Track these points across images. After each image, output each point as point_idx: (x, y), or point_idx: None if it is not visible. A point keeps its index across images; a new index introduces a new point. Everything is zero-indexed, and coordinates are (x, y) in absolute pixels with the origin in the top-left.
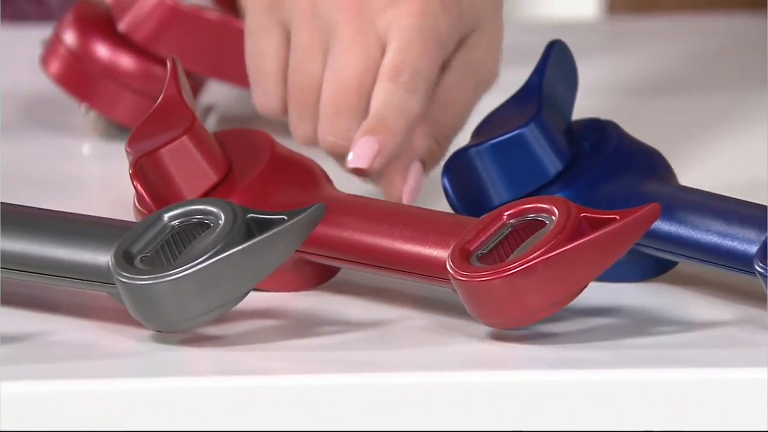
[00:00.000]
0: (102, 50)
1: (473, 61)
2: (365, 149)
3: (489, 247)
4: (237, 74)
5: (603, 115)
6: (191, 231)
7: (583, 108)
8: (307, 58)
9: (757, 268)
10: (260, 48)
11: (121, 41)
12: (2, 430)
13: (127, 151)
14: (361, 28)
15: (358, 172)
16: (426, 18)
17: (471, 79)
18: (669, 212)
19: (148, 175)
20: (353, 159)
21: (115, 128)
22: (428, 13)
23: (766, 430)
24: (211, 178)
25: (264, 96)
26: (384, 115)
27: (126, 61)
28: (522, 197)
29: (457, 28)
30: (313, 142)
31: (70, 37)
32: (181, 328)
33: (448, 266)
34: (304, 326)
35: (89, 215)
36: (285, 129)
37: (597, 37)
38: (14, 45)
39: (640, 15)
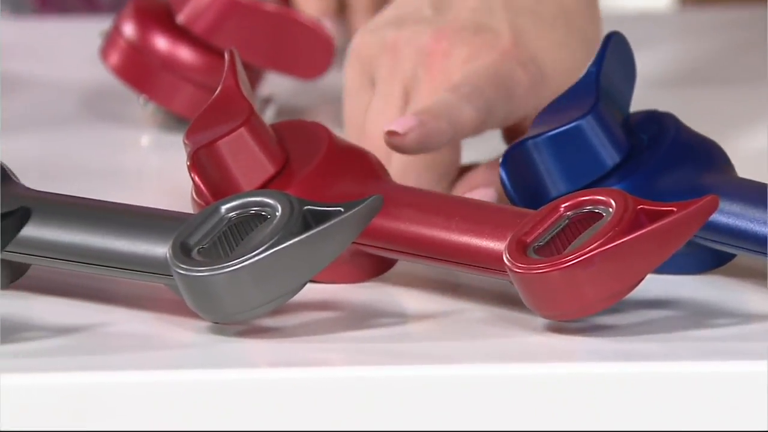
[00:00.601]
0: (161, 42)
1: None
2: (406, 120)
3: (546, 239)
4: (295, 66)
5: (669, 107)
6: (248, 223)
7: (651, 99)
8: (385, 105)
9: None
10: (355, 107)
11: (180, 33)
12: (62, 422)
13: (184, 143)
14: (438, 86)
15: (392, 136)
16: (498, 64)
17: None
18: (727, 204)
19: (206, 166)
20: (392, 124)
21: (173, 120)
22: (502, 62)
23: None
24: (268, 169)
25: None
26: (431, 107)
27: (185, 53)
28: (579, 189)
29: (538, 88)
30: None
31: (129, 29)
32: (238, 319)
33: (504, 258)
34: (362, 318)
35: (147, 207)
36: (342, 121)
37: (669, 28)
38: (73, 37)
39: (712, 6)
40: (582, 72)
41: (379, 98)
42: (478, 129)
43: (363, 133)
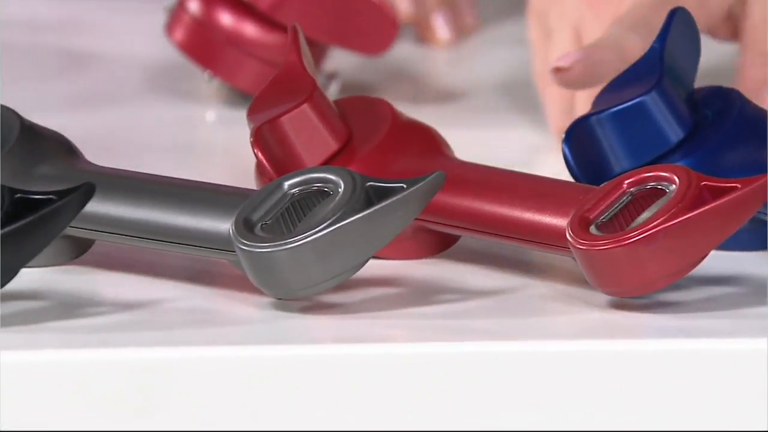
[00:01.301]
0: (226, 18)
1: None
2: (569, 55)
3: (609, 216)
4: (359, 41)
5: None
6: (311, 199)
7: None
8: (560, 51)
9: None
10: (537, 61)
11: (245, 9)
12: (126, 397)
13: (248, 119)
14: (605, 21)
15: (558, 72)
16: None
17: None
18: None
19: (269, 142)
20: (558, 60)
21: (238, 95)
22: None
23: None
24: (332, 145)
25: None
26: (596, 41)
27: (249, 28)
28: (643, 165)
29: None
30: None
31: (194, 5)
32: (301, 295)
33: (567, 234)
34: (424, 294)
35: (210, 183)
36: (405, 96)
37: None
38: (138, 12)
39: None
40: None
41: (554, 46)
42: None
43: (546, 83)
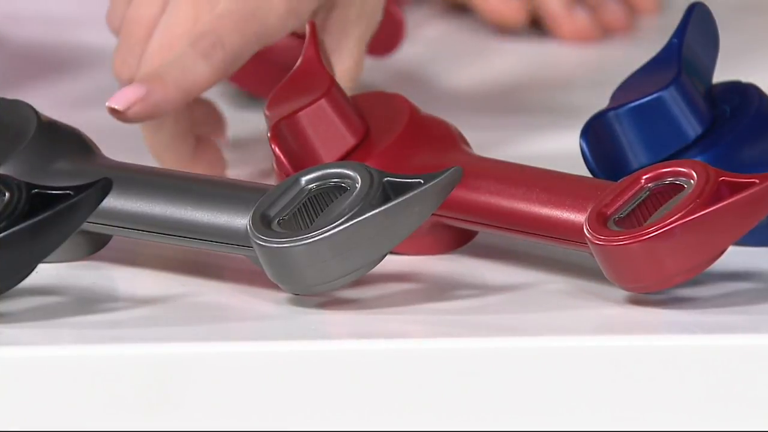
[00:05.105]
0: None
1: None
2: (128, 93)
3: (626, 211)
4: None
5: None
6: (328, 194)
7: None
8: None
9: None
10: (138, 14)
11: None
12: (142, 392)
13: (265, 115)
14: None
15: (113, 113)
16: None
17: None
18: None
19: (286, 138)
20: (112, 99)
21: (243, 95)
22: None
23: None
24: (349, 141)
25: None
26: (165, 69)
27: None
28: (660, 161)
29: (296, 6)
30: (130, 79)
31: None
32: (318, 291)
33: (585, 230)
34: (441, 290)
35: (227, 178)
36: (422, 93)
37: None
38: None
39: None
40: None
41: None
42: (219, 79)
43: (126, 20)
